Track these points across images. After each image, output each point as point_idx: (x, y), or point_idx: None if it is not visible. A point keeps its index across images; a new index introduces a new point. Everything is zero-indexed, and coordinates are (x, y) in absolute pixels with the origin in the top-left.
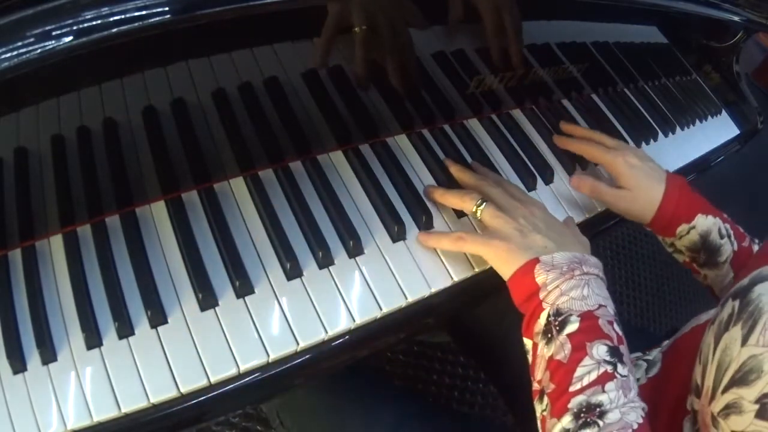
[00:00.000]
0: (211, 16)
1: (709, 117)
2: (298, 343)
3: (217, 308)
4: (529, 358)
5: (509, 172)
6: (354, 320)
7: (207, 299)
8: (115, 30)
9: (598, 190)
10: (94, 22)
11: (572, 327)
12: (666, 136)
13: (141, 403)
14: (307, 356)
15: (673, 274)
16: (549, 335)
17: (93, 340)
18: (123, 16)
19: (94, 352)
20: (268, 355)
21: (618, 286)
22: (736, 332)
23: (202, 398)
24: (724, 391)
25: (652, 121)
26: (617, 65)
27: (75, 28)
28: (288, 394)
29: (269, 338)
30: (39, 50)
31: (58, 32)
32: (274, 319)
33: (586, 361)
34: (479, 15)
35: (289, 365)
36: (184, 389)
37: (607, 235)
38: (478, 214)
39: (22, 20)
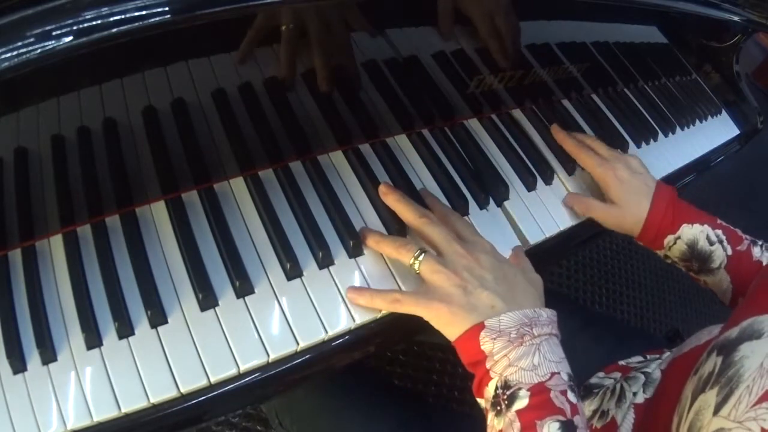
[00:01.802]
0: (211, 16)
1: (709, 117)
2: (298, 343)
3: (217, 308)
4: (485, 415)
5: (509, 172)
6: (354, 320)
7: (207, 299)
8: (115, 30)
9: (589, 208)
10: (94, 22)
11: (521, 403)
12: (666, 136)
13: (141, 403)
14: (307, 356)
15: (673, 274)
16: (498, 408)
17: (93, 340)
18: (123, 16)
19: (94, 352)
20: (268, 355)
21: (618, 286)
22: (711, 397)
23: (202, 398)
24: None
25: (652, 121)
26: (617, 65)
27: (75, 28)
28: (287, 395)
29: (269, 338)
30: (39, 50)
31: (58, 32)
32: (274, 319)
33: None
34: (471, 20)
35: (289, 365)
36: (184, 389)
37: (607, 235)
38: (416, 267)
39: (22, 20)
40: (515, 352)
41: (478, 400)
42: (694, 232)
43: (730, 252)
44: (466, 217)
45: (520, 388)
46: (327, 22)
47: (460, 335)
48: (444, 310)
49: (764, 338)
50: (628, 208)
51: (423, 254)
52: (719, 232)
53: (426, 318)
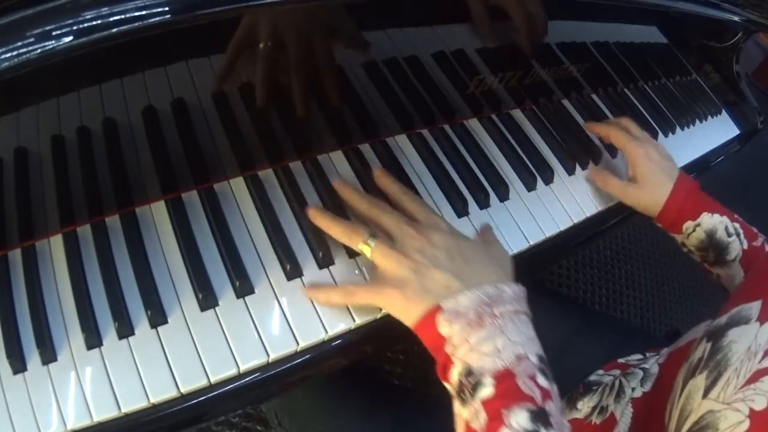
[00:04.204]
0: (211, 16)
1: (709, 117)
2: (298, 343)
3: (217, 308)
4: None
5: (509, 172)
6: (354, 320)
7: (207, 299)
8: (115, 30)
9: (607, 183)
10: (94, 22)
11: (486, 391)
12: (666, 136)
13: (141, 403)
14: (307, 356)
15: (673, 274)
16: (462, 396)
17: (93, 340)
18: (123, 16)
19: (94, 352)
20: (268, 355)
21: (618, 286)
22: (700, 381)
23: (202, 398)
24: None
25: (652, 121)
26: (617, 65)
27: (75, 28)
28: (287, 395)
29: (269, 338)
30: (39, 50)
31: (58, 32)
32: (274, 319)
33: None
34: (507, 13)
35: (289, 365)
36: (184, 389)
37: (607, 235)
38: (368, 253)
39: (22, 20)
40: (476, 335)
41: (445, 384)
42: (714, 222)
43: (746, 246)
44: (465, 218)
45: (483, 375)
46: (328, 22)
47: (417, 320)
48: (397, 296)
49: (752, 323)
50: (651, 187)
51: (373, 240)
52: (737, 225)
53: (382, 306)
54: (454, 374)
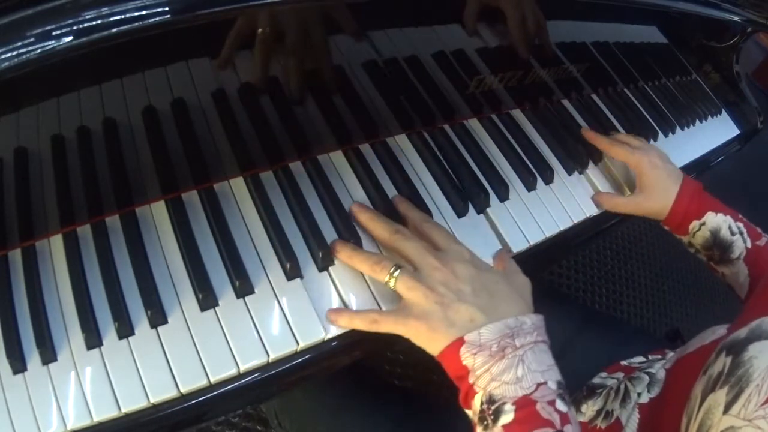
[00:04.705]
0: (211, 16)
1: (709, 117)
2: (298, 343)
3: (217, 308)
4: (473, 428)
5: (509, 172)
6: None
7: (207, 299)
8: (115, 30)
9: (617, 205)
10: (94, 22)
11: (507, 418)
12: (666, 136)
13: (141, 403)
14: (307, 356)
15: (673, 274)
16: (485, 423)
17: (93, 340)
18: (123, 16)
19: (94, 352)
20: (268, 355)
21: (618, 286)
22: (721, 396)
23: (202, 398)
24: None
25: (652, 121)
26: (617, 65)
27: (75, 28)
28: (287, 395)
29: (269, 338)
30: (39, 50)
31: (58, 32)
32: (274, 319)
33: None
34: (504, 13)
35: (289, 365)
36: (184, 389)
37: (607, 235)
38: (392, 284)
39: (22, 20)
40: (497, 366)
41: (467, 411)
42: (718, 221)
43: (749, 245)
44: (465, 218)
45: (504, 403)
46: (328, 22)
47: (441, 351)
48: (422, 328)
49: None
50: (659, 194)
51: (398, 270)
52: (740, 225)
53: (406, 336)
54: (477, 402)
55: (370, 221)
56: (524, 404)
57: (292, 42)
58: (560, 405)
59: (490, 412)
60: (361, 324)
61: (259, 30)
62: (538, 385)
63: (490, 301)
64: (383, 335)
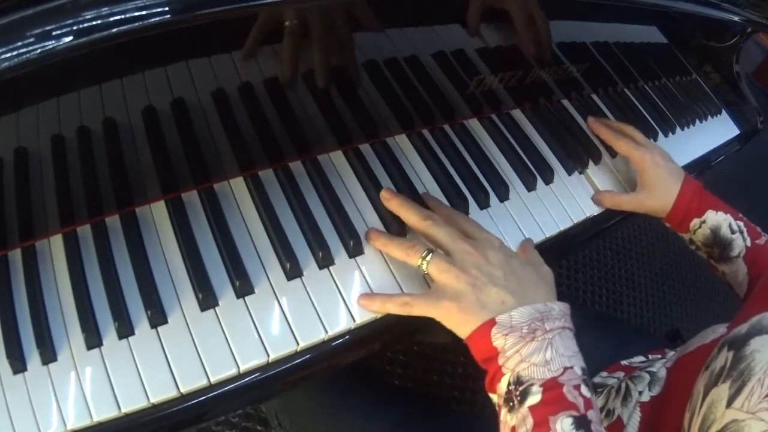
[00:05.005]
0: (211, 16)
1: (709, 117)
2: (298, 343)
3: (217, 308)
4: (498, 411)
5: (509, 172)
6: (354, 320)
7: (207, 299)
8: (115, 30)
9: (620, 203)
10: (94, 22)
11: (534, 399)
12: (666, 136)
13: (141, 403)
14: (307, 356)
15: (673, 274)
16: (511, 404)
17: (93, 340)
18: (123, 16)
19: (94, 352)
20: (268, 355)
21: (618, 286)
22: (723, 390)
23: (202, 398)
24: None
25: (652, 121)
26: (617, 65)
27: (75, 28)
28: (287, 395)
29: (269, 338)
30: (39, 50)
31: (58, 32)
32: (274, 319)
33: None
34: (509, 14)
35: (289, 365)
36: (184, 389)
37: (607, 235)
38: (424, 267)
39: (22, 20)
40: (527, 347)
41: (491, 395)
42: (718, 219)
43: (749, 243)
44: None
45: (532, 384)
46: (329, 21)
47: (472, 332)
48: (454, 309)
49: None
50: (661, 192)
51: (431, 254)
52: (740, 223)
53: (437, 318)
54: (503, 384)
55: (401, 207)
56: (551, 386)
57: (293, 42)
58: (585, 390)
59: (518, 393)
60: (394, 307)
61: (286, 23)
62: (565, 368)
63: (520, 286)
64: (382, 336)
